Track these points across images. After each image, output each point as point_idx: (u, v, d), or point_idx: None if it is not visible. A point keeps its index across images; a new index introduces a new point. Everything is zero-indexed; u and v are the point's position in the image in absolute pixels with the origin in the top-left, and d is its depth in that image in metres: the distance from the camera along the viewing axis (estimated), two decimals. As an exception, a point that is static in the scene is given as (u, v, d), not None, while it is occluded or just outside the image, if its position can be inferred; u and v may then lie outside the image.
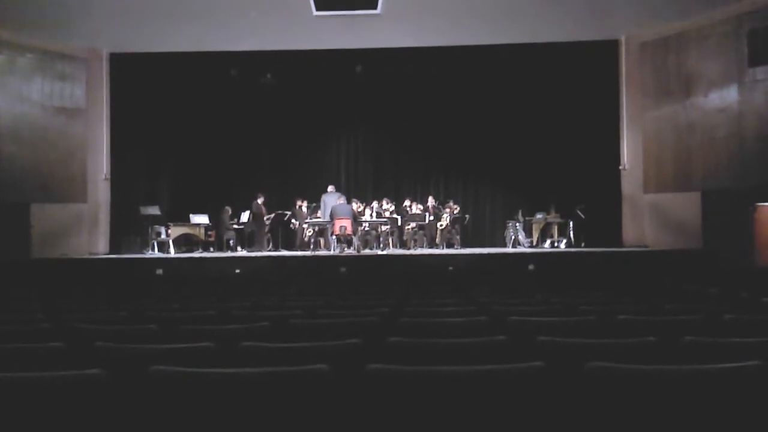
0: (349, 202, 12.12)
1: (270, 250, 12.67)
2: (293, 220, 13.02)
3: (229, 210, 12.72)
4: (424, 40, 12.65)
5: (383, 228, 12.64)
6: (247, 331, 3.19)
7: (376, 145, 14.67)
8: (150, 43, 12.55)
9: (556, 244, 12.67)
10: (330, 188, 12.71)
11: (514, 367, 2.00)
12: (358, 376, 1.98)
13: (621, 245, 12.38)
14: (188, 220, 12.50)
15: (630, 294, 5.18)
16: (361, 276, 9.51)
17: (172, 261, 10.98)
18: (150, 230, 12.26)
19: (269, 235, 12.99)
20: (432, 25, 11.78)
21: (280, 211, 12.83)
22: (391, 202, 13.26)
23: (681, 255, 10.84)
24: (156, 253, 12.01)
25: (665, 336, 2.66)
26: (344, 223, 11.14)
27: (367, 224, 12.42)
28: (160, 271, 10.22)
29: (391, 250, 12.44)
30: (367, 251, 12.00)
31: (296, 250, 12.65)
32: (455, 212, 13.07)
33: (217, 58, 13.10)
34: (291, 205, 13.05)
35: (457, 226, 13.02)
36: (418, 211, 12.85)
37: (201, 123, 13.79)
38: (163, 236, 12.34)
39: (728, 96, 11.19)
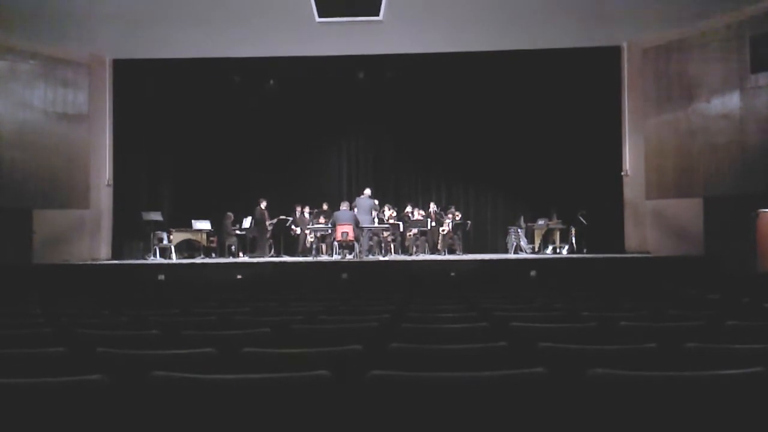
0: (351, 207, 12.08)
1: (272, 256, 12.67)
2: (293, 227, 13.02)
3: (231, 216, 12.74)
4: (426, 46, 12.67)
5: (385, 234, 12.63)
6: (249, 337, 3.19)
7: (378, 151, 14.71)
8: (153, 50, 12.58)
9: (558, 251, 12.66)
10: (367, 191, 12.45)
11: (515, 373, 2.00)
12: (359, 382, 1.98)
13: (623, 251, 12.35)
14: (190, 225, 12.52)
15: (632, 300, 5.16)
16: (363, 282, 9.50)
17: (173, 267, 10.99)
18: (152, 236, 12.28)
19: (271, 240, 13.00)
20: (434, 31, 11.81)
21: (282, 217, 12.84)
22: (393, 208, 13.26)
23: (683, 261, 10.82)
24: (158, 259, 12.03)
25: (667, 342, 2.65)
26: (346, 229, 11.15)
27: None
28: (161, 277, 10.22)
29: (393, 256, 12.43)
30: (369, 257, 11.99)
31: (298, 256, 12.66)
32: (457, 218, 13.08)
33: (219, 64, 13.14)
34: (291, 212, 13.06)
35: (458, 232, 13.04)
36: (420, 217, 12.86)
37: (203, 129, 13.84)
38: (165, 242, 12.36)
39: (730, 102, 11.19)
